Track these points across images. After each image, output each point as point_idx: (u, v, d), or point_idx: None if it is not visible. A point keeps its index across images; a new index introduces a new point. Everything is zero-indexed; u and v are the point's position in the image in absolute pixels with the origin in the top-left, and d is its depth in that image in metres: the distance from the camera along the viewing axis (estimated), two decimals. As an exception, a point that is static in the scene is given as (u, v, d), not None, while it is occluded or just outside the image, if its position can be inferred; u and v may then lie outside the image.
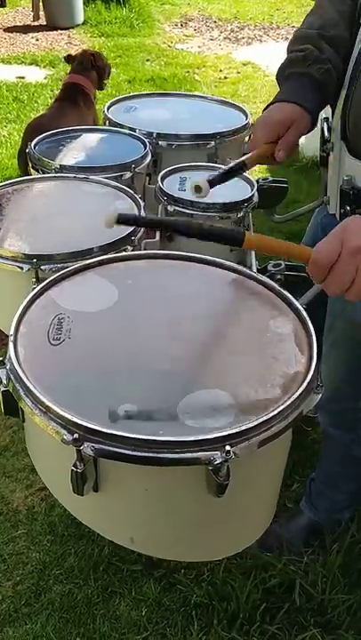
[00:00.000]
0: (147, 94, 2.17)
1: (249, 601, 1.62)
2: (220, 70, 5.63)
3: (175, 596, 1.66)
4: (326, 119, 1.30)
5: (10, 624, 1.61)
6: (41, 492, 1.94)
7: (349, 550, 1.74)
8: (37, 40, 6.14)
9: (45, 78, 5.21)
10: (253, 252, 1.38)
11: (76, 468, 0.83)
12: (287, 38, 6.79)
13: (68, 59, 3.45)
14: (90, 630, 1.59)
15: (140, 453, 0.81)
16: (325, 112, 1.29)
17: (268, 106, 1.26)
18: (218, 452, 0.80)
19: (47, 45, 6.02)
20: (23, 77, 5.19)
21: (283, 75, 1.29)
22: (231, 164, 1.23)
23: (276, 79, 1.31)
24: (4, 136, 4.17)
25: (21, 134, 4.11)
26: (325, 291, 0.93)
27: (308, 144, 3.85)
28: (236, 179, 1.48)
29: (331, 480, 1.74)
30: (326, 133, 1.29)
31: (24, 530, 1.83)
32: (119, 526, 0.95)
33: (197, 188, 1.11)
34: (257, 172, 3.69)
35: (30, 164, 1.66)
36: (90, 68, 3.29)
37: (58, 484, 0.98)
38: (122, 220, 0.95)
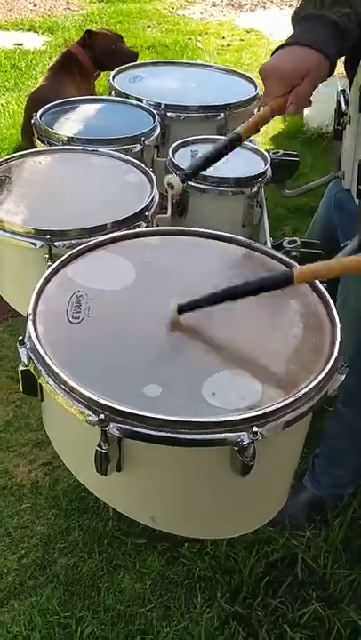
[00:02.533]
0: (152, 62, 2.12)
1: (252, 574, 1.64)
2: (223, 37, 5.51)
3: (179, 570, 1.68)
4: (343, 91, 1.26)
5: (15, 597, 1.62)
6: (45, 467, 1.95)
7: (351, 525, 1.76)
8: (35, 5, 5.99)
9: (44, 45, 5.09)
10: (267, 228, 1.36)
11: (101, 449, 0.82)
12: (291, 5, 6.64)
13: (89, 34, 3.34)
14: (94, 603, 1.61)
15: (166, 434, 0.80)
16: (342, 83, 1.25)
17: (276, 49, 1.10)
18: (245, 433, 0.80)
19: (45, 11, 5.87)
20: (21, 44, 5.07)
21: (297, 16, 1.13)
22: (218, 145, 1.12)
23: (291, 22, 1.15)
24: (1, 105, 4.08)
25: (19, 103, 4.05)
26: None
27: (313, 115, 3.79)
28: (249, 152, 1.45)
29: (334, 456, 1.75)
30: (343, 106, 1.25)
31: (28, 504, 1.84)
32: (140, 505, 0.95)
33: (170, 185, 1.09)
34: (263, 145, 3.64)
35: (36, 135, 1.62)
36: (92, 44, 3.19)
37: (79, 462, 0.98)
38: (184, 309, 0.97)
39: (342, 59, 1.29)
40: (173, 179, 1.09)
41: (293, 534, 1.73)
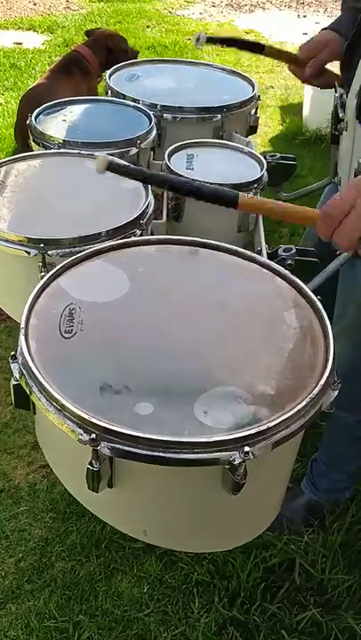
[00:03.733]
0: (150, 60, 2.09)
1: (250, 579, 1.64)
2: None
3: (177, 574, 1.67)
4: (340, 96, 1.26)
5: (12, 600, 1.62)
6: (42, 470, 1.94)
7: (349, 530, 1.76)
8: (35, 5, 5.97)
9: (43, 44, 5.08)
10: (263, 235, 1.36)
11: (92, 467, 0.81)
12: (290, 6, 6.64)
13: (89, 33, 3.34)
14: (92, 607, 1.61)
15: (158, 454, 0.79)
16: (340, 89, 1.26)
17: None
18: (236, 453, 0.79)
19: (45, 10, 5.86)
20: (20, 43, 5.06)
21: (341, 8, 1.48)
22: (247, 40, 1.43)
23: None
24: (1, 104, 4.08)
25: (18, 102, 4.04)
26: (336, 245, 0.90)
27: (312, 117, 3.79)
28: (245, 157, 1.45)
29: (334, 461, 1.75)
30: (340, 112, 1.26)
31: (26, 507, 1.84)
32: (132, 520, 0.94)
33: (196, 40, 1.30)
34: (261, 147, 3.64)
35: (31, 138, 1.61)
36: (101, 45, 3.18)
37: (71, 477, 0.97)
38: (112, 167, 0.89)
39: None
40: (201, 35, 1.25)
41: (291, 539, 1.73)
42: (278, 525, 1.74)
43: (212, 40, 1.39)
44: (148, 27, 5.62)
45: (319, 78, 1.46)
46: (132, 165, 0.93)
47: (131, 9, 5.95)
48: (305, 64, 1.42)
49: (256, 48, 1.45)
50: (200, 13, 6.14)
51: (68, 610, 1.60)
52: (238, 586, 1.63)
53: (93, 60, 3.17)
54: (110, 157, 0.89)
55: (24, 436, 2.04)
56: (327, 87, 1.45)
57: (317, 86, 1.50)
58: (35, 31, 5.37)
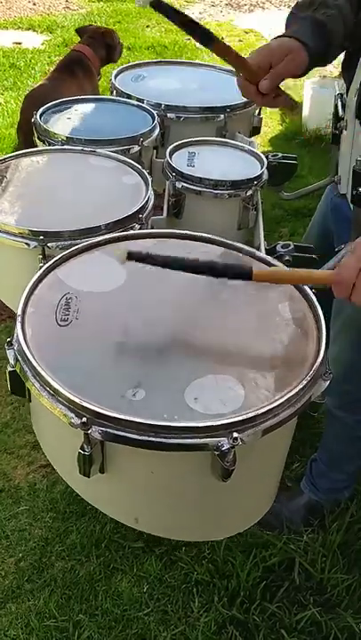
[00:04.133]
0: (155, 62, 2.12)
1: (249, 579, 1.64)
2: (222, 38, 5.46)
3: (176, 574, 1.68)
4: (340, 95, 1.26)
5: (12, 600, 1.62)
6: (42, 469, 1.94)
7: (349, 530, 1.76)
8: (34, 4, 5.97)
9: (43, 44, 5.08)
10: (262, 232, 1.36)
11: (83, 451, 0.83)
12: (290, 5, 6.64)
13: (80, 31, 3.35)
14: (92, 607, 1.61)
15: (147, 438, 0.81)
16: (340, 88, 1.26)
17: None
18: (225, 439, 0.81)
19: (44, 10, 5.86)
20: (20, 43, 5.06)
21: (288, 19, 1.23)
22: (201, 28, 1.06)
23: (285, 25, 1.23)
24: (0, 104, 4.08)
25: (18, 102, 4.04)
26: (355, 305, 0.93)
27: (312, 116, 3.79)
28: (246, 155, 1.45)
29: (333, 460, 1.75)
30: (340, 111, 1.26)
31: (26, 506, 1.84)
32: (124, 507, 0.96)
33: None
34: (260, 147, 3.64)
35: (36, 135, 1.62)
36: (100, 43, 3.20)
37: (64, 463, 0.98)
38: (133, 256, 0.94)
39: (340, 62, 1.30)
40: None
41: (291, 538, 1.73)
42: (278, 525, 1.74)
43: (155, 6, 0.98)
44: (147, 26, 5.62)
45: (274, 97, 1.15)
46: (157, 255, 0.95)
47: (130, 9, 5.95)
48: (258, 75, 1.11)
49: (205, 38, 1.06)
50: (200, 13, 6.14)
51: (67, 609, 1.60)
52: (238, 585, 1.63)
53: (94, 58, 3.19)
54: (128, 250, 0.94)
55: (24, 436, 2.04)
56: (279, 106, 1.21)
57: (269, 106, 1.20)
58: (34, 31, 5.37)
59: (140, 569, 1.69)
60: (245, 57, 1.12)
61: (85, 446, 0.83)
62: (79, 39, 3.31)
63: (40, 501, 1.85)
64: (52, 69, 3.42)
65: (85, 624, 1.57)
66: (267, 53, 1.11)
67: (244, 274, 0.94)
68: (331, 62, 1.20)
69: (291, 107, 1.19)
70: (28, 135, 1.76)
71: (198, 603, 1.61)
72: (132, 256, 0.94)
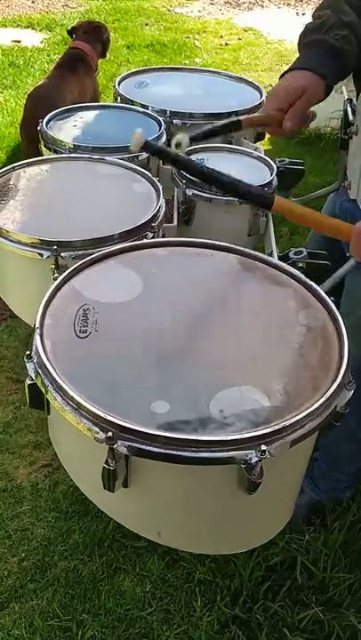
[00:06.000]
0: (158, 68, 2.11)
1: (252, 578, 1.65)
2: (221, 36, 5.49)
3: (179, 573, 1.69)
4: (350, 100, 1.26)
5: (16, 600, 1.63)
6: (44, 469, 1.95)
7: (350, 529, 1.77)
8: (33, 2, 5.96)
9: (42, 42, 5.07)
10: (273, 238, 1.37)
11: (108, 466, 0.82)
12: (289, 4, 6.64)
13: (72, 31, 3.37)
14: (95, 606, 1.62)
15: (174, 452, 0.80)
16: (349, 93, 1.26)
17: (283, 74, 1.21)
18: (253, 452, 0.80)
19: (43, 8, 5.85)
20: (19, 41, 5.05)
21: (300, 43, 1.23)
22: (223, 122, 1.18)
23: (297, 48, 1.25)
24: (0, 103, 4.07)
25: (18, 101, 4.04)
26: None
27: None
28: (255, 161, 1.45)
29: (334, 461, 1.76)
30: (350, 116, 1.25)
31: (28, 506, 1.84)
32: (147, 520, 0.95)
33: (178, 145, 1.06)
34: (262, 146, 3.64)
35: (42, 143, 1.62)
36: (95, 38, 3.24)
37: (85, 477, 0.97)
38: (150, 148, 0.93)
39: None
40: (182, 137, 1.05)
41: (293, 538, 1.74)
42: (280, 524, 1.75)
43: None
44: (146, 24, 5.62)
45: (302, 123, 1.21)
46: (180, 156, 0.93)
47: (129, 6, 5.95)
48: (281, 118, 1.16)
49: (232, 128, 1.20)
50: (198, 11, 6.14)
51: (71, 609, 1.61)
52: (240, 584, 1.64)
53: (93, 54, 3.22)
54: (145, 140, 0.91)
55: (26, 436, 2.05)
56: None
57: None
58: (33, 29, 5.36)
59: (143, 568, 1.70)
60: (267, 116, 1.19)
61: (110, 461, 0.82)
62: (79, 36, 3.32)
63: (42, 501, 1.86)
64: (51, 68, 3.43)
65: (89, 623, 1.58)
66: (284, 96, 1.15)
67: (265, 202, 0.92)
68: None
69: (311, 119, 1.23)
70: (31, 134, 1.76)
71: (201, 602, 1.62)
72: (147, 147, 0.91)
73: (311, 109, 1.18)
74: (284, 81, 1.17)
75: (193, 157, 1.52)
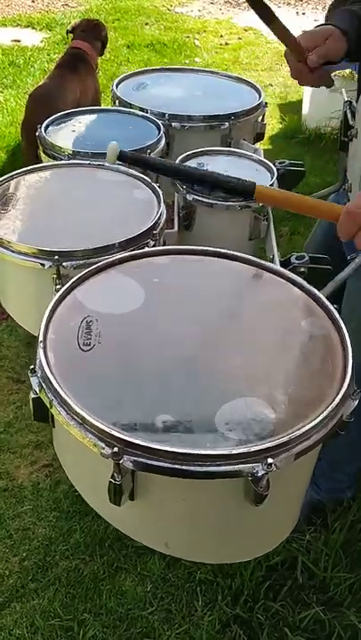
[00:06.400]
0: (157, 69, 2.09)
1: (253, 578, 1.65)
2: (221, 36, 5.49)
3: (180, 572, 1.69)
4: (349, 103, 1.26)
5: (17, 599, 1.63)
6: (45, 469, 1.95)
7: (351, 529, 1.78)
8: (33, 1, 5.95)
9: (42, 42, 5.06)
10: (275, 242, 1.36)
11: (114, 480, 0.81)
12: (289, 3, 6.63)
13: (71, 30, 3.37)
14: (96, 606, 1.62)
15: (181, 467, 0.79)
16: (349, 96, 1.26)
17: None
18: (259, 465, 0.79)
19: (43, 7, 5.84)
20: (19, 41, 5.04)
21: (327, 16, 1.37)
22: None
23: (324, 20, 1.36)
24: (0, 102, 4.07)
25: (18, 100, 4.04)
26: (357, 245, 0.90)
27: (312, 115, 3.80)
28: (255, 164, 1.45)
29: (335, 461, 1.76)
30: (350, 119, 1.26)
31: (29, 506, 1.85)
32: (154, 532, 0.94)
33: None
34: (262, 146, 3.64)
35: (41, 149, 1.60)
36: (94, 37, 3.24)
37: (91, 490, 0.97)
38: (124, 157, 0.91)
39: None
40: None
41: (294, 537, 1.75)
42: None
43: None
44: (146, 24, 5.61)
45: (321, 75, 1.28)
46: (145, 156, 0.92)
47: (129, 6, 5.94)
48: (304, 56, 1.24)
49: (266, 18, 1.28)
50: (199, 10, 6.13)
51: (72, 608, 1.61)
52: (241, 584, 1.64)
53: (93, 53, 3.22)
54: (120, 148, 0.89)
55: (27, 436, 2.05)
56: (322, 85, 1.32)
57: (315, 85, 1.32)
58: (33, 28, 5.35)
59: (144, 568, 1.70)
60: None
61: (116, 476, 0.81)
62: (77, 35, 3.33)
63: (44, 500, 1.86)
64: (51, 67, 3.43)
65: (90, 623, 1.58)
66: (310, 36, 1.25)
67: (246, 191, 0.91)
68: None
69: (330, 85, 1.30)
70: (32, 135, 1.75)
71: (202, 602, 1.62)
72: (123, 157, 0.91)
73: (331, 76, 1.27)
74: (313, 29, 1.28)
75: (192, 162, 1.51)
